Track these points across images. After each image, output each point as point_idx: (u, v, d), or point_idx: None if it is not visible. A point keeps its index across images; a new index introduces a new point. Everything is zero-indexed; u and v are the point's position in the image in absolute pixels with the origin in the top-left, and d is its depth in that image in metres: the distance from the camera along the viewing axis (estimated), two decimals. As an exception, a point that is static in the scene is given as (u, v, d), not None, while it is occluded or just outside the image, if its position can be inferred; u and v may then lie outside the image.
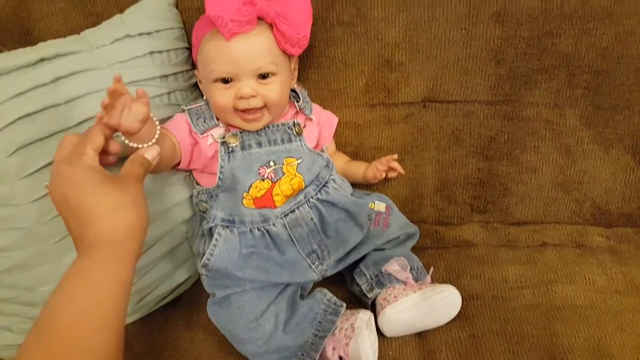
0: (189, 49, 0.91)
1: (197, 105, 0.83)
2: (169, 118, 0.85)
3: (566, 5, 0.89)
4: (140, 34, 0.83)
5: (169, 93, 0.86)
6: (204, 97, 0.85)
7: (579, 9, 0.89)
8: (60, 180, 0.58)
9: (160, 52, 0.85)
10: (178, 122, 0.82)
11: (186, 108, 0.83)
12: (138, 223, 0.59)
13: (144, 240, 0.60)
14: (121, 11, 0.87)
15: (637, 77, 0.93)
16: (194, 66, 0.89)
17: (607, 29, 0.90)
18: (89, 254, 0.55)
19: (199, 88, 0.89)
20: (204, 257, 0.81)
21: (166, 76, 0.86)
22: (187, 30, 0.91)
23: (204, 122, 0.81)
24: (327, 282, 0.86)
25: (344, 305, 0.81)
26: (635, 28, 0.89)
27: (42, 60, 0.73)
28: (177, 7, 0.92)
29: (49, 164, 0.71)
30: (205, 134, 0.81)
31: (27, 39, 0.91)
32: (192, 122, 0.81)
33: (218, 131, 0.82)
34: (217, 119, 0.83)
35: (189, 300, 0.93)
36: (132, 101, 0.63)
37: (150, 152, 0.66)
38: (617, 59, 0.92)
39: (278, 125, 0.84)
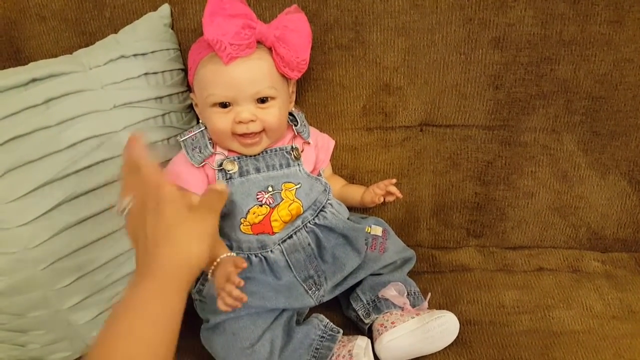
0: (185, 70, 0.90)
1: (191, 135, 0.82)
2: (162, 140, 0.84)
3: (565, 32, 0.89)
4: (135, 55, 0.82)
5: (163, 115, 0.85)
6: (200, 121, 0.84)
7: (578, 35, 0.89)
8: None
9: (155, 73, 0.84)
10: (183, 172, 0.80)
11: (181, 140, 0.81)
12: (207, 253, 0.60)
13: None
14: (115, 31, 0.86)
15: (634, 104, 0.93)
16: (189, 87, 0.88)
17: (606, 56, 0.91)
18: (157, 281, 0.55)
19: (194, 110, 0.88)
20: (198, 283, 0.81)
21: (161, 98, 0.84)
22: (183, 52, 0.90)
23: (200, 152, 0.80)
24: (322, 306, 0.85)
25: (341, 331, 0.81)
26: (633, 55, 0.90)
27: (33, 80, 0.71)
28: (172, 28, 0.90)
29: (39, 187, 0.70)
30: (203, 164, 0.80)
31: (18, 58, 0.90)
32: (189, 154, 0.80)
33: (215, 159, 0.81)
34: (213, 146, 0.81)
35: (182, 326, 0.90)
36: None
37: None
38: (615, 85, 0.92)
39: (276, 150, 0.83)
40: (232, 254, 0.71)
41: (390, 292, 0.85)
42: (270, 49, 0.77)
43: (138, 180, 0.62)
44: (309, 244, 0.82)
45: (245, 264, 0.67)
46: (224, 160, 0.80)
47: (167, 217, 0.57)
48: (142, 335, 0.53)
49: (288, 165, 0.83)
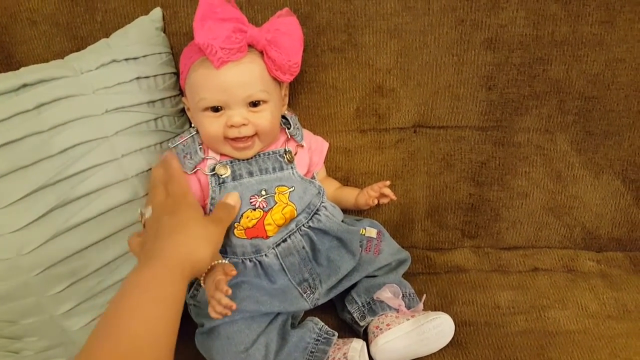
0: (177, 74, 0.89)
1: (182, 141, 0.81)
2: (155, 145, 0.83)
3: (557, 33, 0.89)
4: (126, 59, 0.81)
5: (155, 119, 0.84)
6: (192, 125, 0.83)
7: (570, 36, 0.90)
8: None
9: (147, 77, 0.83)
10: None
11: (172, 147, 0.81)
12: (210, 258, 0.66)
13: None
14: (106, 35, 0.85)
15: (626, 104, 0.94)
16: (181, 91, 0.88)
17: (598, 56, 0.91)
18: (163, 263, 0.59)
19: (186, 114, 0.87)
20: (193, 288, 0.81)
21: (153, 102, 0.84)
22: (175, 55, 0.89)
23: (190, 158, 0.80)
24: (317, 309, 0.85)
25: (336, 334, 0.80)
26: (625, 55, 0.90)
27: (24, 85, 0.71)
28: (164, 32, 0.90)
29: (31, 192, 0.69)
30: (195, 170, 0.80)
31: (9, 63, 0.89)
32: (180, 162, 0.79)
33: (207, 164, 0.81)
34: (203, 152, 0.81)
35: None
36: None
37: (231, 198, 0.77)
38: (607, 85, 0.92)
39: (269, 154, 0.82)
40: (224, 260, 0.71)
41: (385, 294, 0.84)
42: (261, 53, 0.76)
43: (162, 191, 0.70)
44: (303, 247, 0.82)
45: (234, 272, 0.67)
46: (216, 164, 0.80)
47: (182, 216, 0.64)
48: (148, 312, 0.54)
49: (281, 169, 0.82)
